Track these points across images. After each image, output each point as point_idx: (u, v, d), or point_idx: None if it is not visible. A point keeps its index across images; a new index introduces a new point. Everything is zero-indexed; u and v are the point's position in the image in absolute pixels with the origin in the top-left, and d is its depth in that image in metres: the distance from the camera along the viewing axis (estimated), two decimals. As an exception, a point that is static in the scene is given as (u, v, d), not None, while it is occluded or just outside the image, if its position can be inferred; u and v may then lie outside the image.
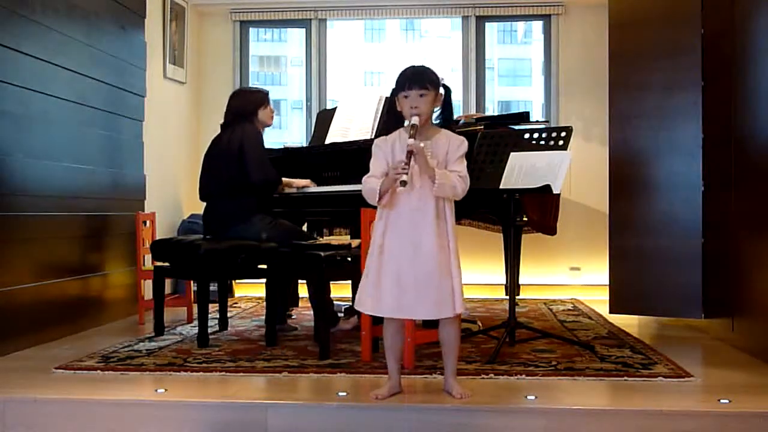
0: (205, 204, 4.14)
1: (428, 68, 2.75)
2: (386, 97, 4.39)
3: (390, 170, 2.63)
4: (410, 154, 2.56)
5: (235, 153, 3.94)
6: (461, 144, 2.72)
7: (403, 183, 2.53)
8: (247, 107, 4.11)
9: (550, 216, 4.03)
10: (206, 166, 4.13)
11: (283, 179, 4.16)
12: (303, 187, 4.19)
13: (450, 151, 2.70)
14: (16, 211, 3.64)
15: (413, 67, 2.75)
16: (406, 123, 2.72)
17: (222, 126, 4.15)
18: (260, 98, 4.16)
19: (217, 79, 6.19)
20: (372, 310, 2.72)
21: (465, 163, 2.73)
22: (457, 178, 2.65)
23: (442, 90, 2.79)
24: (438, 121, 2.82)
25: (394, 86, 2.73)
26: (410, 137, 2.58)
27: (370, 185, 2.67)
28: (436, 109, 2.77)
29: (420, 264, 2.62)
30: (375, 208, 2.76)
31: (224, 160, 3.98)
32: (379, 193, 2.63)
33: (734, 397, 2.67)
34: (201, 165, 4.16)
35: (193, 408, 2.71)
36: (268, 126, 4.23)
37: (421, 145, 2.62)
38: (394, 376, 2.77)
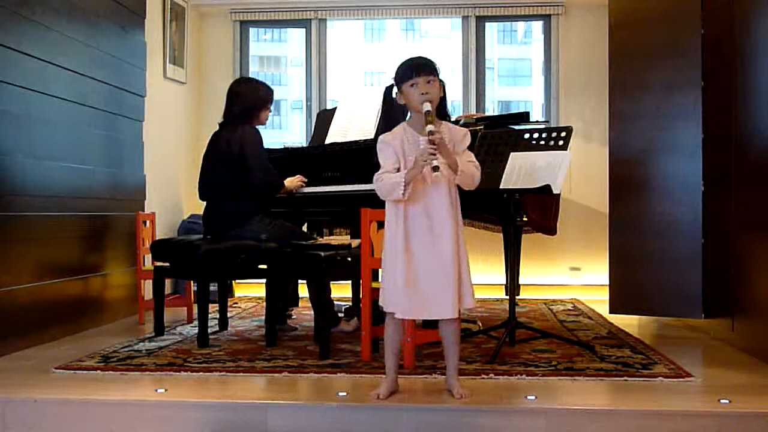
0: (205, 204, 4.14)
1: (429, 58, 2.74)
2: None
3: (417, 158, 2.56)
4: (432, 140, 2.51)
5: (236, 155, 3.91)
6: (465, 136, 2.70)
7: (436, 168, 2.50)
8: (253, 103, 4.04)
9: (550, 216, 4.03)
10: (206, 166, 4.11)
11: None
12: (297, 186, 4.18)
13: (455, 143, 2.68)
14: (16, 211, 3.64)
15: (415, 57, 2.73)
16: (415, 115, 2.68)
17: (221, 124, 4.11)
18: (268, 98, 4.10)
19: (217, 79, 6.18)
20: (405, 313, 2.67)
21: (472, 154, 2.72)
22: (474, 168, 2.65)
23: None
24: None
25: (394, 79, 2.70)
26: (427, 123, 2.55)
27: (392, 179, 2.60)
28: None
29: (440, 261, 2.61)
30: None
31: (224, 162, 3.95)
32: (404, 185, 2.56)
33: (734, 397, 2.67)
34: (200, 164, 4.15)
35: (193, 408, 2.71)
36: (263, 125, 4.18)
37: (442, 133, 2.58)
38: (391, 374, 2.76)
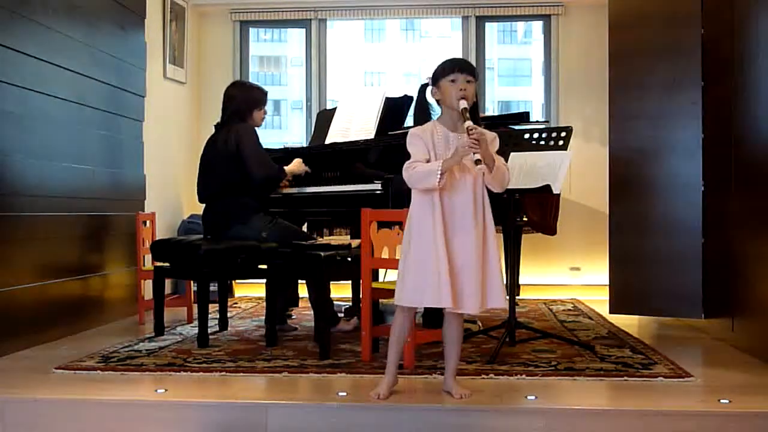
0: (204, 204, 4.14)
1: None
2: (387, 97, 4.39)
3: (457, 149, 2.57)
4: (472, 135, 2.51)
5: (233, 152, 3.92)
6: (494, 139, 2.70)
7: (479, 161, 2.51)
8: (245, 104, 4.07)
9: (550, 216, 4.03)
10: (204, 168, 4.11)
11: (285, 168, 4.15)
12: (302, 170, 4.18)
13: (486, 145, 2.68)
14: (16, 211, 3.64)
15: (458, 57, 2.78)
16: (447, 112, 2.69)
17: (217, 126, 4.11)
18: (260, 99, 4.13)
19: (217, 79, 6.18)
20: (433, 302, 2.64)
21: (501, 158, 2.72)
22: (506, 168, 2.67)
23: None
24: None
25: (434, 73, 2.70)
26: (465, 120, 2.56)
27: (426, 167, 2.60)
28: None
29: (465, 256, 2.60)
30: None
31: (222, 161, 3.95)
32: (440, 173, 2.56)
33: (734, 397, 2.67)
34: (198, 167, 4.15)
35: (193, 408, 2.71)
36: (257, 127, 4.19)
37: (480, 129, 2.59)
38: (392, 369, 2.76)
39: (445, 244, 2.60)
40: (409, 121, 4.54)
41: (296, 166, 4.21)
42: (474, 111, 2.67)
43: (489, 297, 2.65)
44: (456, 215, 2.64)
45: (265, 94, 4.19)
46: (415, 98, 2.82)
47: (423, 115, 2.78)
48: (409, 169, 2.64)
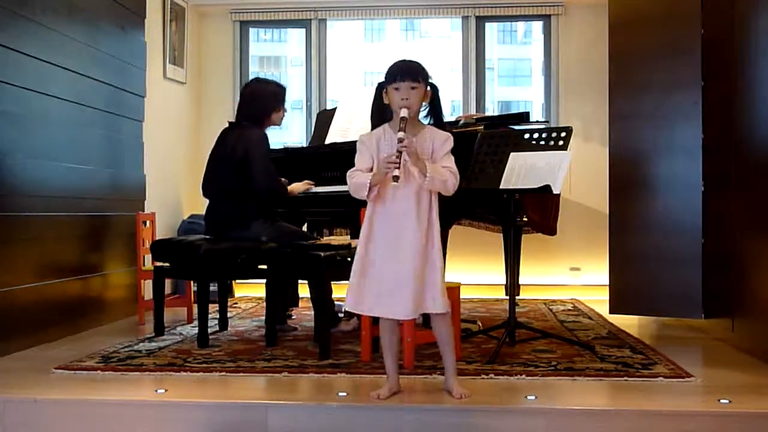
0: (207, 204, 4.12)
1: (419, 63, 2.74)
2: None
3: (381, 164, 2.62)
4: (399, 149, 2.55)
5: (240, 158, 3.86)
6: (446, 140, 2.71)
7: (396, 178, 2.53)
8: (263, 106, 4.02)
9: (550, 216, 4.03)
10: (211, 164, 4.07)
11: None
12: (305, 191, 4.17)
13: (435, 148, 2.70)
14: (16, 211, 3.64)
15: (405, 60, 2.74)
16: (396, 117, 2.70)
17: (232, 123, 4.07)
18: (277, 100, 4.07)
19: (217, 79, 6.20)
20: (352, 307, 2.71)
21: (453, 159, 2.72)
22: (448, 173, 2.66)
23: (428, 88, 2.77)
24: (428, 120, 2.81)
25: (383, 79, 2.72)
26: (400, 130, 2.57)
27: (358, 179, 2.66)
28: (423, 107, 2.75)
29: (400, 263, 2.62)
30: (363, 203, 2.75)
31: (228, 163, 3.92)
32: (369, 187, 2.62)
33: (734, 397, 2.67)
34: (206, 160, 4.12)
35: (193, 408, 2.71)
36: (277, 126, 4.17)
37: (413, 138, 2.62)
38: (392, 375, 2.77)
39: (365, 249, 2.66)
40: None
41: (298, 186, 4.15)
42: (436, 110, 2.73)
43: (425, 302, 2.66)
44: (396, 222, 2.66)
45: (283, 91, 4.13)
46: (372, 98, 2.84)
47: (378, 116, 2.79)
48: (349, 177, 2.70)
